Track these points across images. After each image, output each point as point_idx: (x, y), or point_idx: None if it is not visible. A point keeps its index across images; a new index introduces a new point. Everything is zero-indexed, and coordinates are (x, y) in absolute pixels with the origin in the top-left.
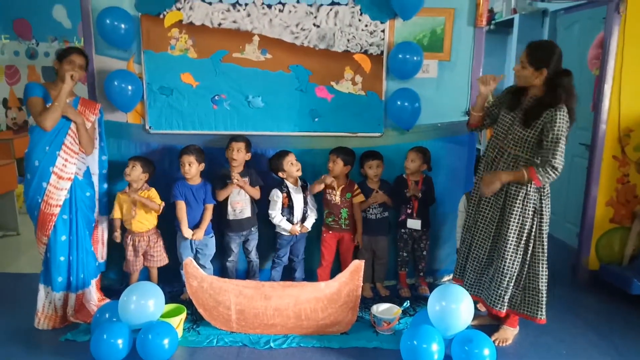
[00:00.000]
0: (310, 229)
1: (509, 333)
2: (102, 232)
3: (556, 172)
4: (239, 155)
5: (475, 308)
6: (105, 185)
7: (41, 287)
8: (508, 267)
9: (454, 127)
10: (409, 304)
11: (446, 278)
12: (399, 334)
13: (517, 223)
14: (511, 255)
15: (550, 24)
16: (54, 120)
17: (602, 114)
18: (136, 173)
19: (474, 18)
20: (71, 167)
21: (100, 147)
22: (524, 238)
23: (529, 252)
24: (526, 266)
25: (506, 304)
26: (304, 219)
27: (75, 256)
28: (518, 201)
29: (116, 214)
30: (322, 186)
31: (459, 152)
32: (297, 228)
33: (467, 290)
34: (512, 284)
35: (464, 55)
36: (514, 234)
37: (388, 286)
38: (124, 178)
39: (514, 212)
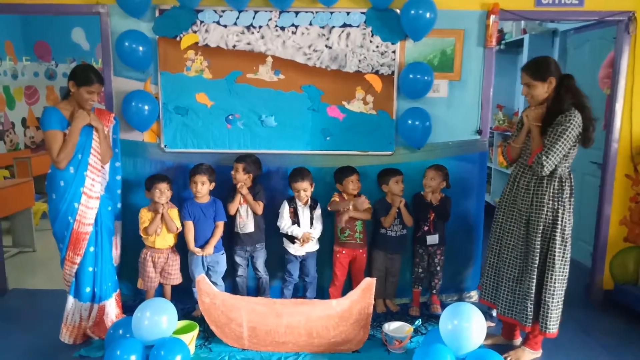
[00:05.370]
0: (315, 238)
1: (527, 355)
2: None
3: (542, 169)
4: (237, 175)
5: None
6: (119, 205)
7: (70, 298)
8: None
9: (465, 145)
10: (420, 323)
11: (457, 296)
12: (410, 353)
13: (542, 232)
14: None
15: (561, 44)
16: (68, 160)
17: (614, 133)
18: (167, 194)
19: (483, 39)
20: (97, 185)
21: (115, 167)
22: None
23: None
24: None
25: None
26: None
27: (100, 268)
28: (542, 213)
29: (142, 232)
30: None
31: (470, 170)
32: (308, 234)
33: (502, 312)
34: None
35: (475, 75)
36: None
37: (400, 304)
38: (147, 196)
39: (540, 223)
